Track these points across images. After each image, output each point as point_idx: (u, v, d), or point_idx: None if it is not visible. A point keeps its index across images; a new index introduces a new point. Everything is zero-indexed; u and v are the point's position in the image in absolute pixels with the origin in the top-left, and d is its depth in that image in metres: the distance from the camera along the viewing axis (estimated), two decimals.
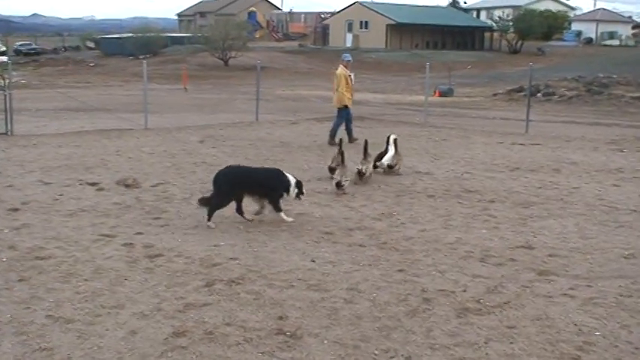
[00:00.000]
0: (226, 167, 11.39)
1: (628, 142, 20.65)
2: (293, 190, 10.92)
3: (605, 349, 6.41)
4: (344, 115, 19.82)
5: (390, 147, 15.35)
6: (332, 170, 14.09)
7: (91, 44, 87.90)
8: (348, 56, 20.27)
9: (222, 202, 10.71)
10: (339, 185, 13.19)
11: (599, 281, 8.18)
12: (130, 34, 78.00)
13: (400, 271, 8.51)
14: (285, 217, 10.83)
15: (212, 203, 10.60)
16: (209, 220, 10.50)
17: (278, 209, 10.82)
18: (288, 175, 11.04)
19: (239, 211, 10.85)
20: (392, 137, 15.59)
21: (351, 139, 19.52)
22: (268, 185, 10.84)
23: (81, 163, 15.63)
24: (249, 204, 10.99)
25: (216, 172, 11.07)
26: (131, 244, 9.50)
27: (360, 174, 14.16)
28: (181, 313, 7.10)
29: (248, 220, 10.77)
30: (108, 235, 9.88)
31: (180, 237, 9.89)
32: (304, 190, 11.22)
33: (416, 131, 22.85)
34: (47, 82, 49.46)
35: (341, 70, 19.60)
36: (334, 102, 20.08)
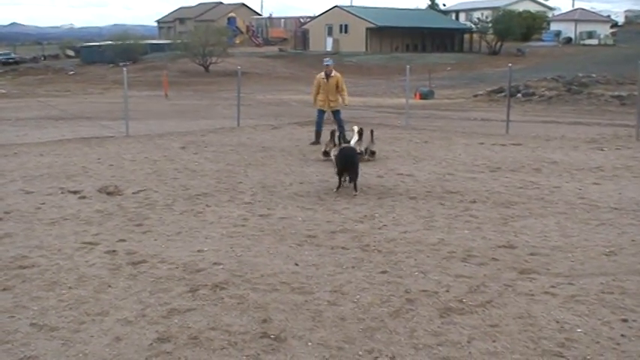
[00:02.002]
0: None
1: (608, 141, 20.79)
2: None
3: (586, 345, 6.47)
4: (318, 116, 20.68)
5: (354, 135, 16.75)
6: (326, 154, 16.66)
7: (71, 52, 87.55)
8: (327, 60, 21.11)
9: None
10: (326, 154, 16.57)
11: (580, 279, 8.25)
12: (110, 42, 77.85)
13: (383, 272, 8.56)
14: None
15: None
16: None
17: None
18: None
19: None
20: (355, 128, 17.22)
21: (316, 141, 20.17)
22: None
23: (62, 171, 15.60)
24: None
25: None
26: (114, 251, 9.50)
27: (326, 154, 16.73)
28: (166, 318, 7.12)
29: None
30: (91, 243, 9.88)
31: (164, 243, 9.89)
32: None
33: (397, 134, 22.93)
34: (27, 91, 49.32)
35: (319, 74, 20.55)
36: (345, 103, 20.75)
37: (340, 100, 20.45)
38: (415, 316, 7.16)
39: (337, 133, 16.93)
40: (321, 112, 20.58)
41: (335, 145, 15.83)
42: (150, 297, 7.72)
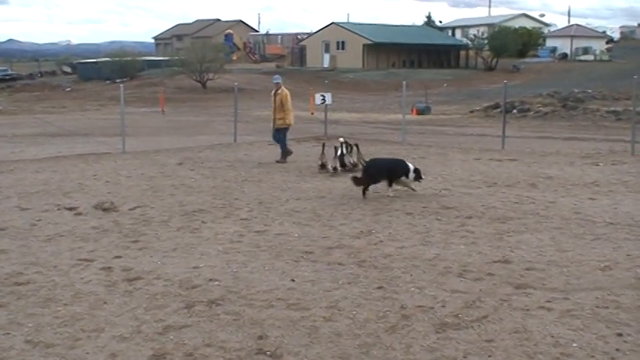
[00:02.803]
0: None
1: (603, 156, 20.82)
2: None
3: (582, 359, 6.48)
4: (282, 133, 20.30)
5: (338, 149, 17.88)
6: (323, 166, 17.79)
7: (68, 69, 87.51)
8: (275, 78, 20.99)
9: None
10: (322, 166, 17.78)
11: (575, 293, 8.26)
12: (107, 59, 77.80)
13: (379, 288, 8.56)
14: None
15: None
16: None
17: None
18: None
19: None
20: (340, 140, 18.35)
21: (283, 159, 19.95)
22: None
23: (58, 188, 15.60)
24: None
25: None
26: (110, 267, 9.49)
27: (322, 166, 17.85)
28: (161, 335, 7.11)
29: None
30: (86, 260, 9.88)
31: (159, 259, 9.89)
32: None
33: (394, 149, 22.94)
34: (23, 108, 49.28)
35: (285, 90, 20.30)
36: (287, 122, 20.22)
37: (284, 118, 20.07)
38: (411, 331, 7.16)
39: (339, 146, 18.02)
40: (275, 131, 20.47)
41: (344, 155, 17.78)
42: (145, 313, 7.71)
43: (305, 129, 30.72)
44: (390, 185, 14.72)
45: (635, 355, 6.54)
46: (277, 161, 19.67)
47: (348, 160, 17.94)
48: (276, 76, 21.41)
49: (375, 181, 14.63)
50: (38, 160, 20.39)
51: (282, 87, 20.20)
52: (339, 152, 17.88)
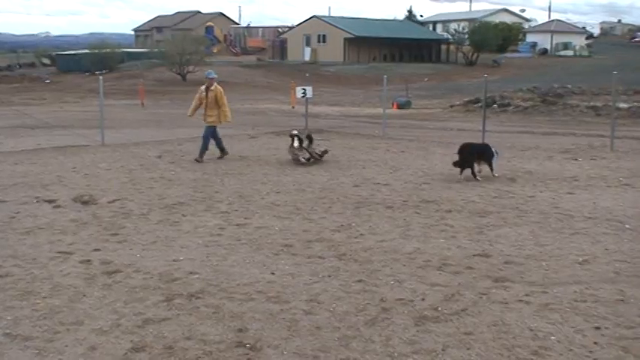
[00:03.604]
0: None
1: (582, 151, 20.91)
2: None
3: (560, 353, 6.52)
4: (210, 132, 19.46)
5: (294, 141, 18.37)
6: (309, 159, 18.20)
7: (47, 61, 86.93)
8: (209, 73, 19.92)
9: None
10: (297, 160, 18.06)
11: (554, 287, 8.31)
12: (86, 50, 77.39)
13: (359, 281, 8.59)
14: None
15: None
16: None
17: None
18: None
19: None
20: (293, 132, 18.83)
21: (199, 158, 18.88)
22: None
23: (37, 180, 15.54)
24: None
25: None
26: (89, 260, 9.47)
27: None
28: (140, 328, 7.11)
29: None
30: (65, 252, 9.85)
31: (139, 253, 9.88)
32: None
33: (375, 143, 22.97)
34: (2, 100, 48.93)
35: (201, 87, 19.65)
36: (226, 119, 19.61)
37: (218, 116, 19.33)
38: (391, 324, 7.19)
39: (305, 136, 18.80)
40: (209, 127, 19.46)
41: (302, 147, 18.29)
42: (125, 306, 7.70)
43: (286, 122, 30.70)
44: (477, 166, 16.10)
45: (613, 349, 6.60)
46: (196, 159, 18.82)
47: (298, 152, 18.40)
48: (210, 71, 20.38)
49: (469, 163, 15.98)
50: (17, 152, 20.28)
51: (216, 83, 19.44)
52: (295, 144, 18.37)
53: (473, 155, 16.16)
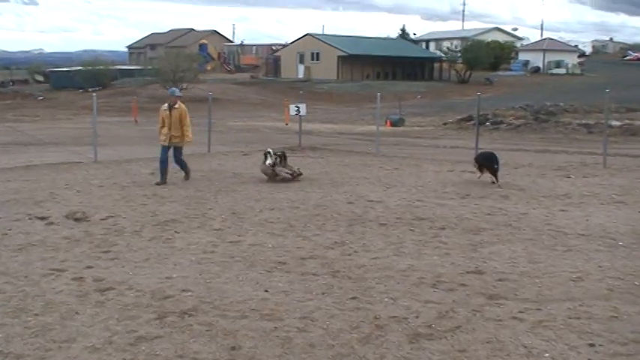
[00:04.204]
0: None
1: (575, 169, 20.94)
2: None
3: None
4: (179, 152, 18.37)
5: (268, 158, 18.28)
6: (292, 175, 18.18)
7: (40, 77, 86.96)
8: (173, 90, 18.98)
9: None
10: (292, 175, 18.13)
11: (547, 304, 8.29)
12: (80, 67, 77.43)
13: (353, 298, 8.55)
14: None
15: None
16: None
17: None
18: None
19: None
20: (268, 150, 18.60)
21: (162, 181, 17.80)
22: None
23: (30, 197, 15.48)
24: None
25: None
26: (81, 277, 9.42)
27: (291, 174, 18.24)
28: (133, 346, 7.06)
29: None
30: (58, 270, 9.79)
31: (131, 270, 9.83)
32: None
33: (368, 160, 22.98)
34: None
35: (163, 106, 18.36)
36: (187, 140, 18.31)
37: (182, 136, 18.07)
38: (385, 342, 7.16)
39: (279, 154, 18.65)
40: (165, 149, 17.99)
41: (280, 162, 18.40)
42: (117, 324, 7.65)
43: (279, 140, 30.73)
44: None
45: None
46: (185, 178, 18.27)
47: (278, 169, 18.32)
48: (175, 89, 19.34)
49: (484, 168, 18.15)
50: (9, 169, 20.23)
51: (179, 101, 18.22)
52: (268, 161, 18.24)
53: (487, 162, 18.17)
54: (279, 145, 26.28)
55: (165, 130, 17.96)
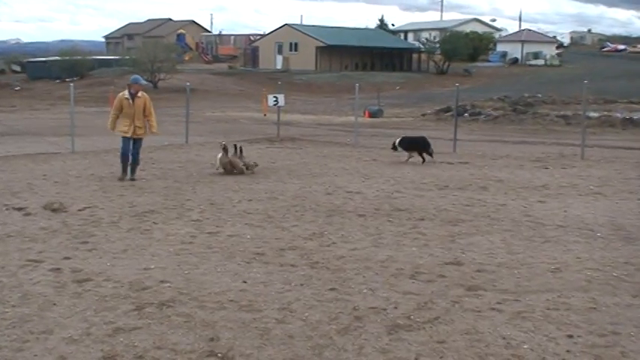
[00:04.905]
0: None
1: (553, 160, 21.07)
2: None
3: None
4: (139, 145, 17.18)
5: (220, 152, 18.00)
6: (247, 167, 17.97)
7: (17, 67, 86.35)
8: (137, 78, 17.31)
9: None
10: (247, 167, 17.94)
11: (526, 295, 8.32)
12: (57, 57, 76.94)
13: (332, 289, 8.55)
14: None
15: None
16: None
17: None
18: None
19: None
20: (222, 143, 18.24)
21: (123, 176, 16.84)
22: None
23: (7, 187, 15.37)
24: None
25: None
26: (59, 269, 9.36)
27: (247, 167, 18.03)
28: (111, 337, 7.02)
29: None
30: (35, 261, 9.72)
31: (109, 261, 9.78)
32: None
33: (346, 152, 23.01)
34: None
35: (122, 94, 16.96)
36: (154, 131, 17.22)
37: (147, 127, 16.95)
38: (363, 333, 7.16)
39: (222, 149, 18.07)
40: (128, 140, 16.73)
41: (238, 155, 18.07)
42: (95, 315, 7.61)
43: (258, 130, 30.70)
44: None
45: (586, 357, 6.60)
46: (131, 178, 16.84)
47: (235, 161, 17.98)
48: (138, 76, 17.75)
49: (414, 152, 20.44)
50: None
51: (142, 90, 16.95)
52: (219, 155, 17.90)
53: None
54: (259, 136, 26.31)
55: (127, 122, 16.55)
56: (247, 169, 17.99)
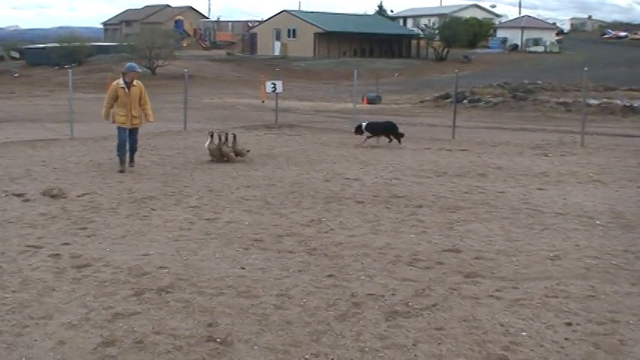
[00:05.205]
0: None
1: (552, 147, 21.07)
2: None
3: (531, 348, 6.55)
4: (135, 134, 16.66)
5: (208, 138, 17.96)
6: (237, 154, 17.71)
7: (15, 54, 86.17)
8: (132, 66, 16.59)
9: None
10: (237, 154, 17.70)
11: (524, 283, 8.35)
12: (55, 44, 76.80)
13: (330, 276, 8.58)
14: None
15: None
16: None
17: None
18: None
19: None
20: (210, 132, 18.32)
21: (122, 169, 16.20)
22: None
23: (6, 174, 15.39)
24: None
25: None
26: (58, 254, 9.39)
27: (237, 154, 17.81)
28: (110, 322, 7.06)
29: None
30: (35, 246, 9.76)
31: (108, 247, 9.81)
32: None
33: (345, 138, 23.00)
34: None
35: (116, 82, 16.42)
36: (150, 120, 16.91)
37: (143, 116, 16.55)
38: (361, 319, 7.19)
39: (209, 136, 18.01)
40: (124, 130, 16.25)
41: (224, 142, 17.67)
42: (94, 301, 7.65)
43: (256, 117, 30.69)
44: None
45: (584, 344, 6.64)
46: (130, 166, 16.48)
47: (225, 149, 17.65)
48: (134, 64, 17.11)
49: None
50: None
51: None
52: (207, 143, 17.74)
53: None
54: (257, 123, 26.31)
55: (123, 111, 16.03)
56: (238, 155, 17.79)
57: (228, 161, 17.50)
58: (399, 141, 21.33)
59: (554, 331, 6.95)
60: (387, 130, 21.69)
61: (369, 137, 21.36)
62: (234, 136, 18.08)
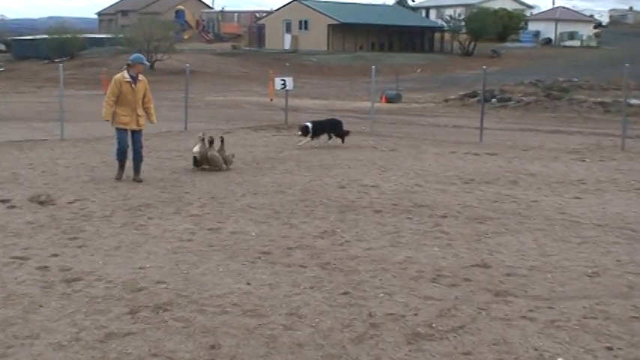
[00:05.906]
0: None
1: (590, 152, 21.01)
2: None
3: None
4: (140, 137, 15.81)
5: (198, 142, 17.14)
6: (226, 162, 17.07)
7: (1, 46, 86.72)
8: (139, 57, 15.79)
9: None
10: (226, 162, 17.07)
11: (560, 302, 8.29)
12: (45, 36, 77.15)
13: (345, 293, 8.54)
14: None
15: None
16: None
17: None
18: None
19: None
20: (199, 135, 17.48)
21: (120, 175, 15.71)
22: None
23: None
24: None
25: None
26: (46, 267, 9.38)
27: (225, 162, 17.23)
28: (102, 343, 7.03)
29: None
30: (20, 258, 9.75)
31: (101, 259, 9.80)
32: None
33: (361, 140, 22.99)
34: None
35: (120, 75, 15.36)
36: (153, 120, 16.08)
37: (145, 116, 15.69)
38: (380, 342, 7.14)
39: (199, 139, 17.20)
40: (125, 133, 15.51)
41: (219, 147, 17.10)
42: (85, 319, 7.62)
43: (263, 116, 30.71)
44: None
45: None
46: (136, 179, 15.61)
47: (211, 154, 16.95)
48: (140, 55, 16.45)
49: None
50: None
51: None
52: (195, 149, 16.95)
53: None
54: (264, 123, 26.30)
55: (126, 110, 15.23)
56: (225, 163, 17.12)
57: (214, 170, 16.85)
58: (343, 140, 21.99)
59: (594, 355, 6.89)
60: (331, 128, 22.10)
61: (310, 140, 21.33)
62: (222, 140, 17.44)
